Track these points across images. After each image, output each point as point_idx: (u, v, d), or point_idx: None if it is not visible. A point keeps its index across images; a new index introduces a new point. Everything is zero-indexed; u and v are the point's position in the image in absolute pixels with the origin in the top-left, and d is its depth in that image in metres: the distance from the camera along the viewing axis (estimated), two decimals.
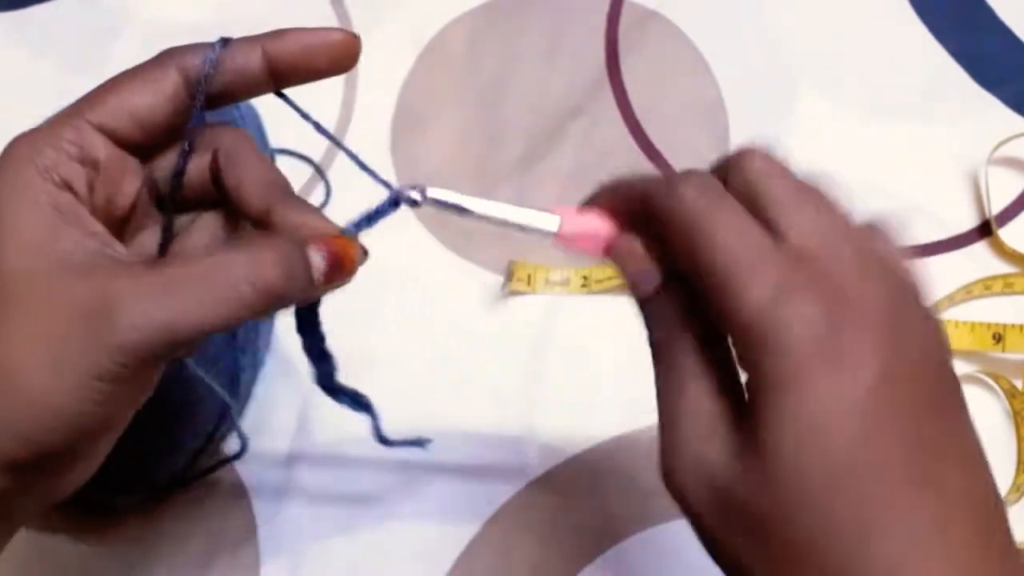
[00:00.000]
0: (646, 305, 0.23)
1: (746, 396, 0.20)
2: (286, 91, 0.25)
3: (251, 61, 0.23)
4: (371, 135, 0.44)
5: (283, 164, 0.43)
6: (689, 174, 0.21)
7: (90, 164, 0.23)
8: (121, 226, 0.24)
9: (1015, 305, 0.40)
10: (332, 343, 0.26)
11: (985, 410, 0.38)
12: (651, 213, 0.22)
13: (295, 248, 0.22)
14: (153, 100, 0.23)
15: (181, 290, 0.21)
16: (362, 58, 0.43)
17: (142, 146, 0.24)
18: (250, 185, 0.23)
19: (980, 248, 0.41)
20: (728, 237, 0.20)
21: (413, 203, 0.24)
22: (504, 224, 0.24)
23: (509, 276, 0.40)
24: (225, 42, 0.23)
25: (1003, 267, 0.41)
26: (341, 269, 0.23)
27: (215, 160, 0.24)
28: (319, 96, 0.45)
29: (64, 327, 0.20)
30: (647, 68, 0.46)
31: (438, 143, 0.45)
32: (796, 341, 0.18)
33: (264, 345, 0.39)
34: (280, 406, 0.39)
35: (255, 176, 0.24)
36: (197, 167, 0.24)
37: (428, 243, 0.42)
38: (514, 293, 0.41)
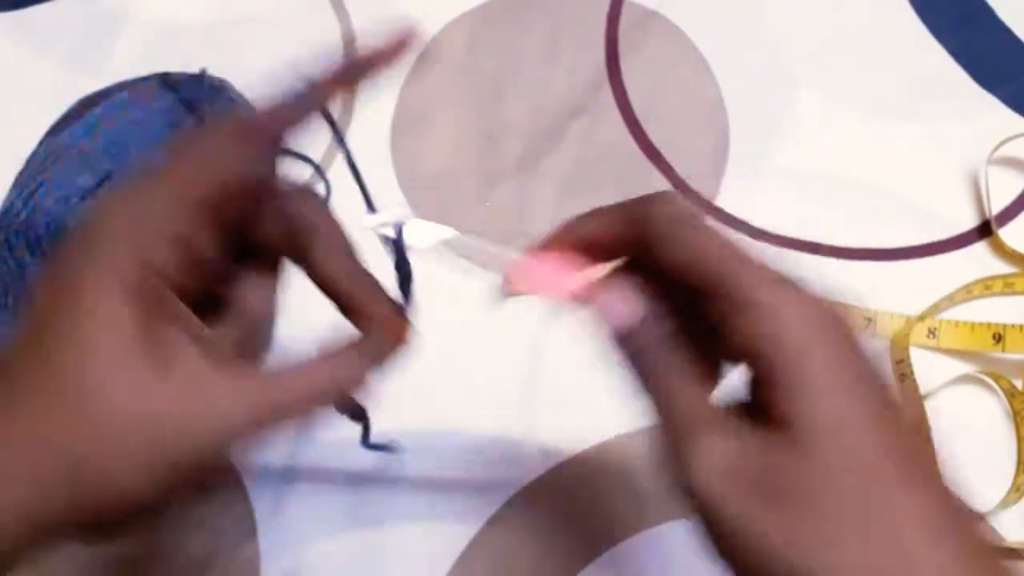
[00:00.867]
0: (628, 338, 0.23)
1: (747, 381, 0.21)
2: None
3: (323, 98, 0.23)
4: (371, 135, 0.44)
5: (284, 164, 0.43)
6: (660, 193, 0.23)
7: (181, 243, 0.22)
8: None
9: (1015, 305, 0.40)
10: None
11: (985, 410, 0.38)
12: (633, 230, 0.22)
13: (381, 355, 0.24)
14: (245, 174, 0.22)
15: (277, 407, 0.22)
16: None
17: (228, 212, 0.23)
18: (337, 270, 0.24)
19: (980, 248, 0.41)
20: (718, 239, 0.21)
21: (388, 238, 0.25)
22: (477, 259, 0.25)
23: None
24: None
25: (1003, 267, 0.41)
26: (400, 350, 0.25)
27: (285, 221, 0.24)
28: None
29: (150, 433, 0.20)
30: (647, 68, 0.46)
31: (438, 143, 0.45)
32: (804, 316, 0.20)
33: (265, 345, 0.39)
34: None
35: (342, 261, 0.24)
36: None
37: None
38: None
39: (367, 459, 0.37)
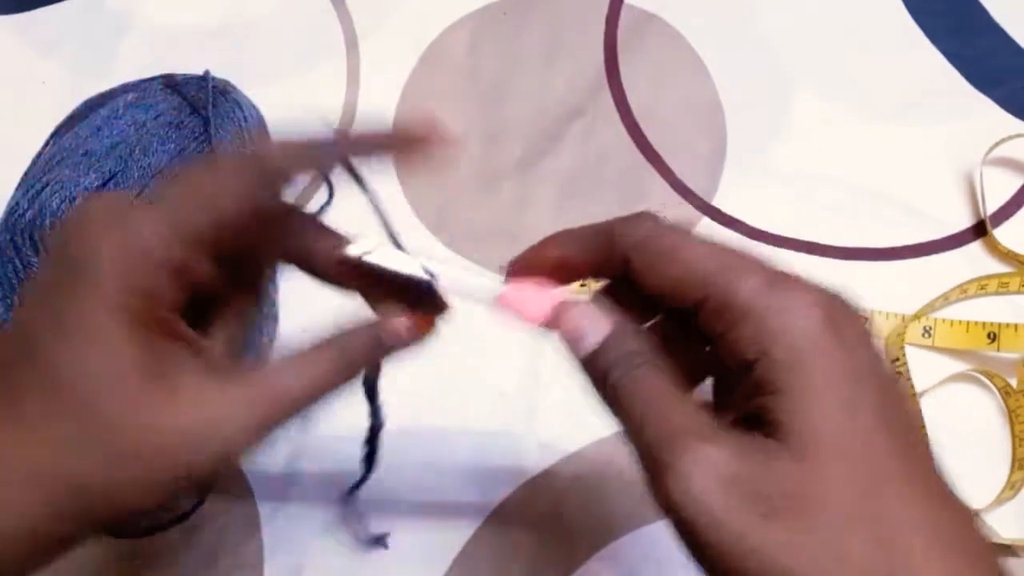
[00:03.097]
0: (596, 357, 0.22)
1: (743, 390, 0.20)
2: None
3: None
4: None
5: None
6: (640, 214, 0.22)
7: (178, 270, 0.22)
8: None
9: (1010, 304, 0.40)
10: None
11: (980, 408, 0.38)
12: (613, 254, 0.22)
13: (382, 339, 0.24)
14: (242, 211, 0.22)
15: (276, 405, 0.22)
16: (364, 59, 0.44)
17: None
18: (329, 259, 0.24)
19: (975, 248, 0.42)
20: (705, 249, 0.21)
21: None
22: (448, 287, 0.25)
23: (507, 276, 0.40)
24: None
25: (998, 267, 0.41)
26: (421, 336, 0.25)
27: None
28: (322, 97, 0.46)
29: (152, 452, 0.21)
30: (646, 70, 0.47)
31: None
32: (803, 318, 0.19)
33: (268, 343, 0.39)
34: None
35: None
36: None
37: (428, 243, 0.42)
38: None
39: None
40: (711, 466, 0.19)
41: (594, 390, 0.22)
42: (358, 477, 0.32)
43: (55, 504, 0.20)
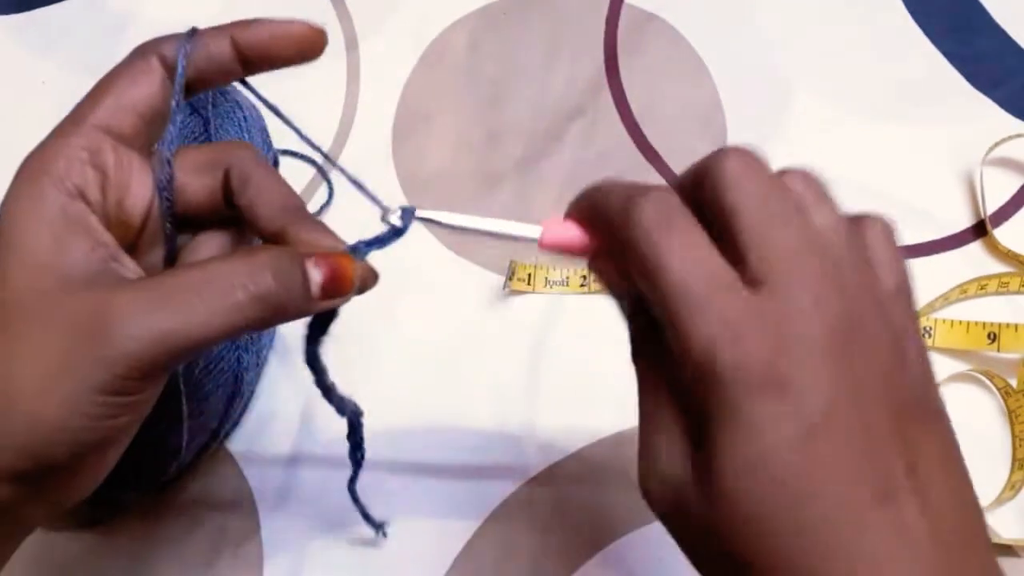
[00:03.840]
0: (630, 320, 0.22)
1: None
2: (281, 109, 0.26)
3: (222, 49, 0.24)
4: (373, 135, 0.45)
5: (286, 165, 0.43)
6: (648, 191, 0.20)
7: (100, 168, 0.23)
8: (136, 239, 0.24)
9: (1010, 304, 0.40)
10: (331, 349, 0.26)
11: (980, 408, 0.38)
12: (612, 233, 0.21)
13: (292, 258, 0.22)
14: (148, 91, 0.23)
15: (176, 299, 0.21)
16: (364, 59, 0.44)
17: (147, 141, 0.24)
18: (264, 206, 0.24)
19: (975, 248, 0.42)
20: (680, 267, 0.19)
21: (398, 230, 0.25)
22: (493, 235, 0.25)
23: (509, 275, 0.40)
24: (194, 32, 0.24)
25: (998, 267, 0.41)
26: (339, 285, 0.23)
27: (228, 179, 0.24)
28: (322, 97, 0.46)
29: (64, 342, 0.20)
30: (645, 70, 0.47)
31: (439, 143, 0.45)
32: (741, 379, 0.18)
33: (267, 344, 0.39)
34: (283, 404, 0.39)
35: (269, 196, 0.24)
36: (206, 185, 0.25)
37: (428, 243, 0.42)
38: (514, 292, 0.41)
39: (369, 457, 0.38)
40: (664, 480, 0.20)
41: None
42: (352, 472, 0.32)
43: None
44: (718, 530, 0.19)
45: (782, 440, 0.18)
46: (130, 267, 0.23)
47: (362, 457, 0.31)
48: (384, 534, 0.36)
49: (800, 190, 0.21)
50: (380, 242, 0.25)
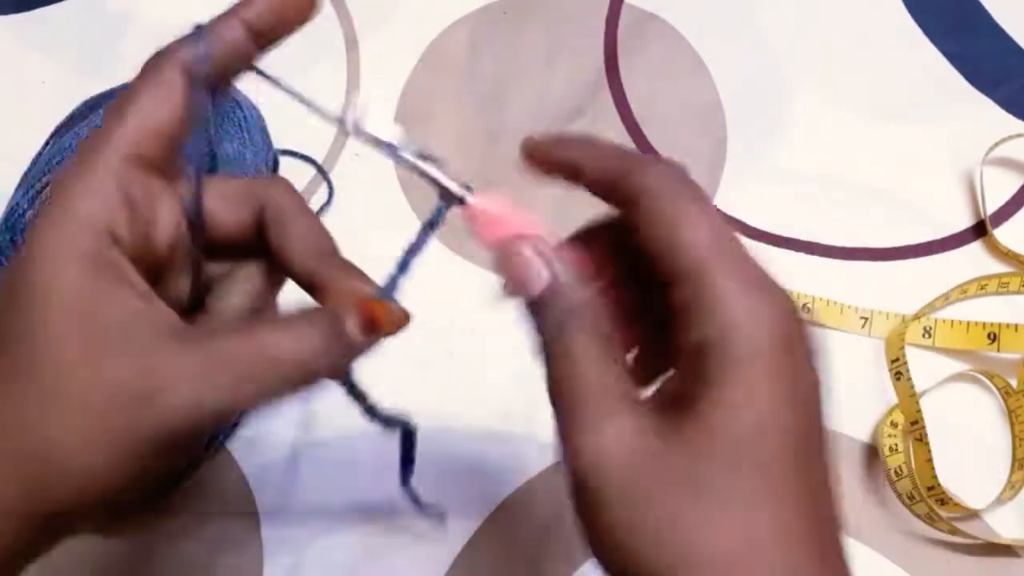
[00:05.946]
0: (536, 306, 0.23)
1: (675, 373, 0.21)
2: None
3: (236, 34, 0.23)
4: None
5: (286, 164, 0.43)
6: (659, 160, 0.22)
7: (130, 204, 0.22)
8: (162, 268, 0.23)
9: (1009, 304, 0.40)
10: None
11: (980, 408, 0.38)
12: (631, 183, 0.22)
13: (335, 328, 0.22)
14: (173, 111, 0.22)
15: (224, 373, 0.21)
16: (364, 59, 0.44)
17: (171, 162, 0.23)
18: (297, 248, 0.23)
19: (975, 248, 0.42)
20: (704, 233, 0.20)
21: (427, 232, 0.25)
22: (424, 176, 0.24)
23: None
24: (200, 28, 0.23)
25: (998, 267, 0.41)
26: (374, 332, 0.23)
27: (262, 214, 0.24)
28: (321, 97, 0.45)
29: (104, 404, 0.20)
30: (646, 70, 0.47)
31: (439, 143, 0.45)
32: (768, 327, 0.19)
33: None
34: (283, 404, 0.39)
35: (303, 238, 0.24)
36: (237, 217, 0.24)
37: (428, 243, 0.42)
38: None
39: (369, 457, 0.38)
40: (616, 431, 0.20)
41: (528, 332, 0.22)
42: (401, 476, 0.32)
43: (27, 480, 0.20)
44: (695, 469, 0.19)
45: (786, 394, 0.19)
46: (164, 311, 0.22)
47: (412, 463, 0.31)
48: (443, 520, 0.36)
49: None
50: (402, 270, 0.25)
